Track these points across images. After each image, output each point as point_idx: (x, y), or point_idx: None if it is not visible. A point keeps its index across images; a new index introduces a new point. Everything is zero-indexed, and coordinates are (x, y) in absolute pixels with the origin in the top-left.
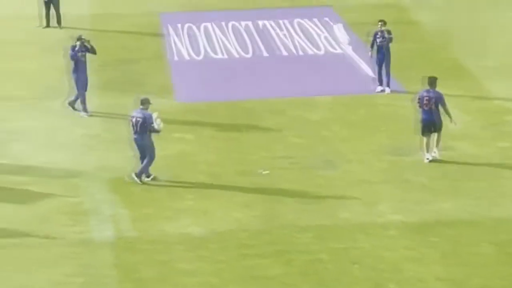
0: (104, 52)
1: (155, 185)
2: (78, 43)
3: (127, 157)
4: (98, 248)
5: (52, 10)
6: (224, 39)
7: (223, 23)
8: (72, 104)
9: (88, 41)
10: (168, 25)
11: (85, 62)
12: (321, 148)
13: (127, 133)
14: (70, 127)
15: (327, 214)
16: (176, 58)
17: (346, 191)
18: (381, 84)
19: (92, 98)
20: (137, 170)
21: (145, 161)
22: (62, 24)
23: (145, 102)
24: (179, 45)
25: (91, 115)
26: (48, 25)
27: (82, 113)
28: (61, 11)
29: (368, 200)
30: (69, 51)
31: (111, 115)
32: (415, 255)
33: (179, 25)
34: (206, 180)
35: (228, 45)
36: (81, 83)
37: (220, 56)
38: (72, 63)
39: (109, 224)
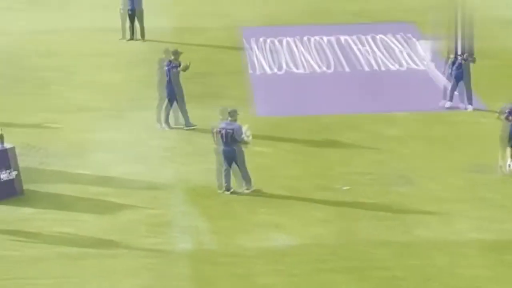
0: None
1: (234, 198)
2: (172, 57)
3: (205, 170)
4: (176, 260)
5: (136, 23)
6: (306, 53)
7: (305, 38)
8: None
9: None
10: (250, 39)
11: (178, 77)
12: (399, 164)
13: (206, 145)
14: (150, 139)
15: (403, 230)
16: (257, 72)
17: (423, 208)
18: (451, 100)
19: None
20: (243, 183)
21: (242, 173)
22: (146, 37)
23: (233, 114)
24: (261, 59)
25: (171, 128)
26: (131, 38)
27: (163, 125)
28: (145, 24)
29: (444, 217)
30: (163, 65)
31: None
32: (491, 274)
33: (261, 39)
34: (285, 194)
35: (310, 60)
36: (173, 97)
37: (301, 70)
38: (164, 77)
39: (188, 236)
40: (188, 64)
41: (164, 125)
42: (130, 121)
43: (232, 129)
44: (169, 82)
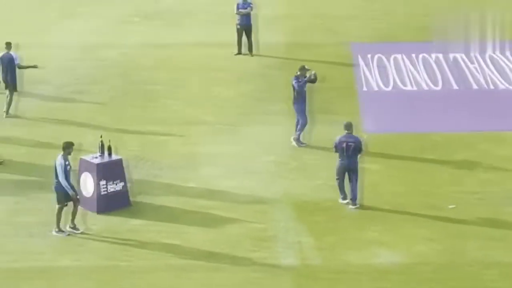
0: None
1: (340, 214)
2: (299, 73)
3: (314, 186)
4: (280, 274)
5: (245, 38)
6: (413, 70)
7: (413, 55)
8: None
9: (308, 70)
10: (359, 55)
11: (305, 92)
12: (509, 185)
13: (315, 161)
14: (260, 153)
15: None
16: (365, 88)
17: None
18: None
19: (283, 127)
20: (352, 197)
21: (355, 186)
22: (254, 51)
23: (350, 127)
24: (369, 75)
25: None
26: (239, 52)
27: (295, 142)
28: (253, 39)
29: None
30: (293, 81)
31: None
32: None
33: (369, 56)
34: (391, 212)
35: (418, 77)
36: (304, 114)
37: (409, 87)
38: (295, 94)
39: (292, 252)
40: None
41: (298, 142)
42: (239, 135)
43: (354, 142)
44: (298, 99)
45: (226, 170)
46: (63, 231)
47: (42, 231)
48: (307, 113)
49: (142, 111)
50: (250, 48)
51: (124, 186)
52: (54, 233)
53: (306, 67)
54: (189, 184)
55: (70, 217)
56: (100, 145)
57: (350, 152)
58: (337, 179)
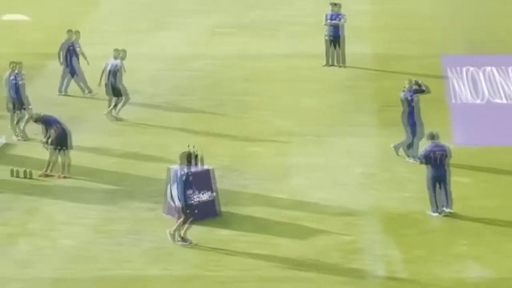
0: (385, 93)
1: (430, 227)
2: (407, 85)
3: (403, 198)
4: (368, 287)
5: (333, 49)
6: (505, 83)
7: (505, 67)
8: (399, 148)
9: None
10: (450, 67)
11: (418, 105)
12: None
13: (404, 173)
14: (348, 165)
15: None
16: (456, 101)
17: None
18: None
19: (372, 138)
20: (446, 204)
21: (447, 193)
22: (343, 63)
23: (436, 136)
24: (460, 88)
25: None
26: (328, 63)
27: (409, 159)
28: (346, 50)
29: None
30: (401, 94)
31: (388, 154)
32: None
33: (459, 68)
34: (481, 226)
35: (509, 90)
36: (412, 128)
37: (500, 100)
38: (405, 106)
39: (380, 264)
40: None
41: (410, 158)
42: (328, 146)
43: (444, 150)
44: (408, 111)
45: (315, 182)
46: (186, 240)
47: (132, 240)
48: (417, 127)
49: (232, 121)
50: (339, 60)
51: (212, 196)
52: (179, 242)
53: (417, 81)
54: (277, 195)
55: (175, 228)
56: (189, 154)
57: (438, 162)
58: (428, 190)
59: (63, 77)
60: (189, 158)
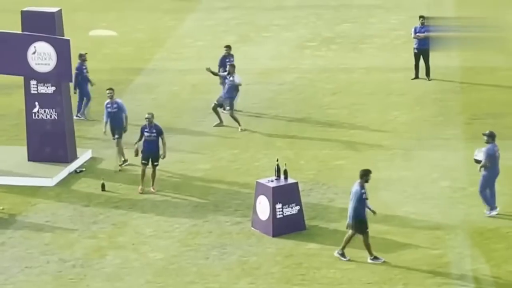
0: (472, 105)
1: None
2: None
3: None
4: None
5: (422, 62)
6: None
7: None
8: None
9: None
10: None
11: None
12: None
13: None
14: (437, 179)
15: None
16: None
17: None
18: None
19: (460, 152)
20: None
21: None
22: (431, 76)
23: (495, 135)
24: None
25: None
26: (417, 77)
27: None
28: (431, 63)
29: None
30: None
31: (476, 168)
32: None
33: None
34: None
35: None
36: None
37: None
38: None
39: (469, 279)
40: None
41: None
42: (415, 160)
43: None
44: None
45: (405, 195)
46: (378, 258)
47: (218, 254)
48: None
49: (320, 134)
50: (427, 72)
51: (300, 210)
52: (369, 260)
53: None
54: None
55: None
56: (276, 168)
57: (498, 161)
58: (490, 191)
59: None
60: (278, 171)
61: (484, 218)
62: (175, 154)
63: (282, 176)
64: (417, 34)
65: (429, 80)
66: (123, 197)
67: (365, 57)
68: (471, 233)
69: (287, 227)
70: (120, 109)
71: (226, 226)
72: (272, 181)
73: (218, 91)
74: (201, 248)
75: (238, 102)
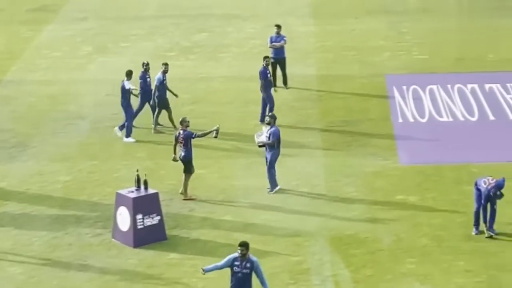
0: (330, 113)
1: (378, 247)
2: None
3: (350, 217)
4: None
5: (279, 70)
6: (449, 101)
7: (449, 86)
8: None
9: None
10: (393, 87)
11: None
12: None
13: (351, 194)
14: (296, 186)
15: None
16: (400, 119)
17: None
18: None
19: (318, 159)
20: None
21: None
22: (289, 84)
23: None
24: (404, 107)
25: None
26: (274, 85)
27: None
28: (288, 71)
29: None
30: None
31: (336, 174)
32: None
33: (404, 87)
34: (429, 244)
35: (453, 108)
36: None
37: (445, 119)
38: None
39: (329, 285)
40: None
41: None
42: (277, 168)
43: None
44: None
45: (262, 203)
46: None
47: (79, 266)
48: None
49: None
50: (285, 81)
51: (160, 220)
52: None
53: None
54: (224, 218)
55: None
56: (136, 179)
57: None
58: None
59: None
60: (138, 182)
61: (342, 224)
62: (33, 167)
63: (142, 187)
64: (273, 43)
65: (286, 88)
66: None
67: (223, 66)
68: (330, 239)
69: (148, 237)
70: None
71: (87, 238)
72: (132, 191)
73: (77, 102)
74: (61, 261)
75: (95, 113)
